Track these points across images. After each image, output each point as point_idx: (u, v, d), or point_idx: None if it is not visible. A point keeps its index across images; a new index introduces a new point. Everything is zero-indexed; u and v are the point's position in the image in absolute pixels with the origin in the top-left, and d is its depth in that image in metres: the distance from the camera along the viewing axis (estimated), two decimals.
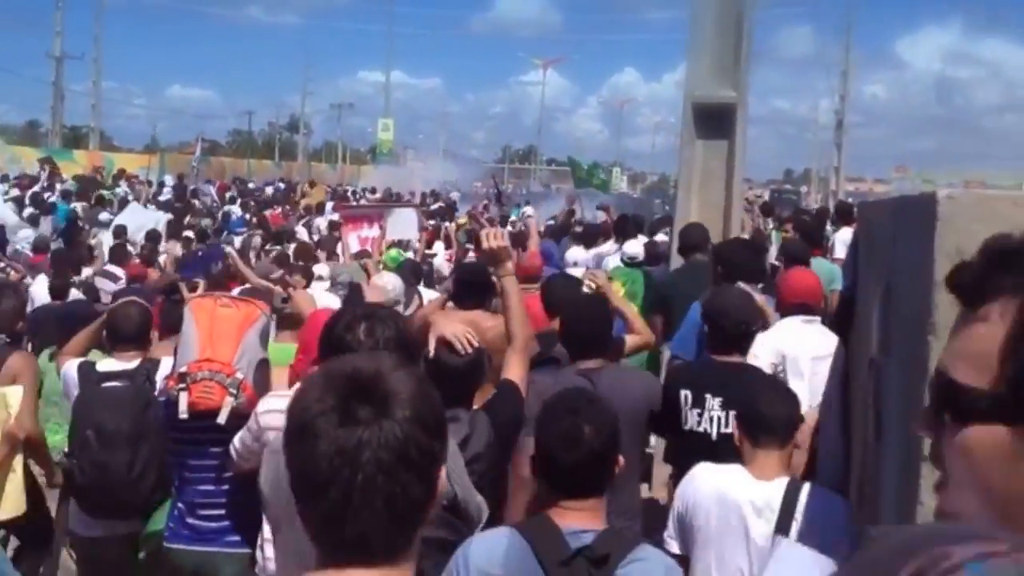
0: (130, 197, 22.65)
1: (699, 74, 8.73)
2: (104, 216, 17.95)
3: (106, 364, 4.83)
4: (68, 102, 47.87)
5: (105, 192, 23.39)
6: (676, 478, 4.61)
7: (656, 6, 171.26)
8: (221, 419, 3.97)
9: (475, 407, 3.69)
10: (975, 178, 59.18)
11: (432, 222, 18.29)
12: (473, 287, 5.62)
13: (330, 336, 3.04)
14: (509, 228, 16.58)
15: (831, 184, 50.55)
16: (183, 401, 4.04)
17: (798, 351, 5.11)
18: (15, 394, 4.84)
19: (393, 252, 11.25)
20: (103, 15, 50.02)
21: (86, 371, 4.76)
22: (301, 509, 1.54)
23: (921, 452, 2.76)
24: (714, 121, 8.73)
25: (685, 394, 4.58)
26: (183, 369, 4.10)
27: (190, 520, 4.16)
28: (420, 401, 1.54)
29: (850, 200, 21.05)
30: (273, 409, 3.41)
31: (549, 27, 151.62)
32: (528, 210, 19.17)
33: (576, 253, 12.01)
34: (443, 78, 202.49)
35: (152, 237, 14.40)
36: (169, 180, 29.49)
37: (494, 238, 4.00)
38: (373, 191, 32.70)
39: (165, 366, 4.64)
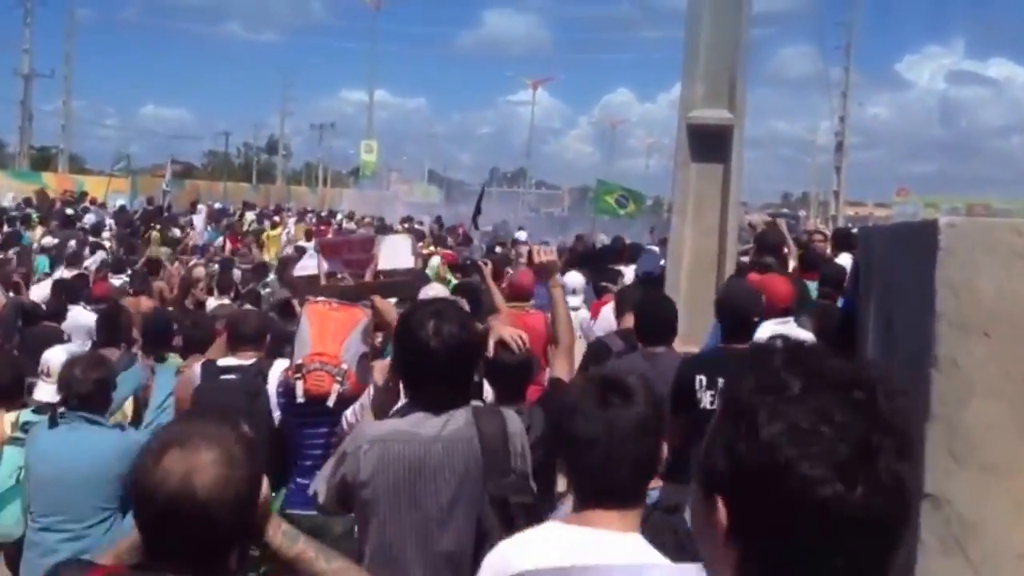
0: (107, 221, 22.64)
1: (694, 96, 8.79)
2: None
3: (225, 361, 5.65)
4: (36, 122, 47.73)
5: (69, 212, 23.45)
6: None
7: (650, 25, 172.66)
8: (330, 402, 4.95)
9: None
10: (979, 202, 59.53)
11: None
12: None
13: (404, 332, 3.48)
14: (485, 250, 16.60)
15: (831, 208, 50.81)
16: (299, 387, 5.05)
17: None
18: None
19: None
20: (74, 32, 50.04)
21: (208, 368, 5.59)
22: (569, 466, 2.59)
23: (922, 489, 2.80)
24: (710, 144, 8.79)
25: (700, 378, 5.33)
26: (299, 361, 5.10)
27: (304, 489, 4.71)
28: (649, 394, 2.56)
29: (850, 225, 21.15)
30: None
31: (539, 45, 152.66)
32: (521, 235, 19.24)
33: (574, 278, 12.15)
34: (428, 98, 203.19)
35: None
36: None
37: (544, 254, 5.02)
38: (351, 216, 32.54)
39: (278, 366, 5.48)
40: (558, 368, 4.61)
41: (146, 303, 10.65)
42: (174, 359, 7.22)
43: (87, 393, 5.05)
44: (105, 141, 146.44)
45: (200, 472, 1.95)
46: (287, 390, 5.18)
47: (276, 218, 28.47)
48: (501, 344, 4.37)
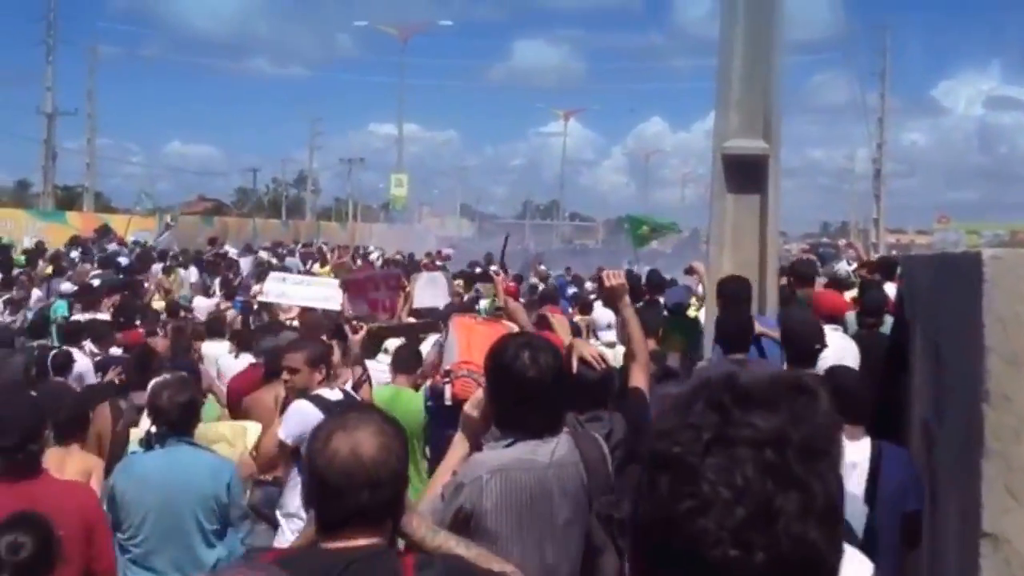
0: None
1: (729, 126, 8.78)
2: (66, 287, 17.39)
3: (331, 394, 6.07)
4: (61, 161, 48.03)
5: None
6: None
7: (682, 53, 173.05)
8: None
9: None
10: (1022, 229, 59.01)
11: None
12: None
13: (499, 364, 3.74)
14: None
15: (871, 236, 50.50)
16: (448, 391, 5.66)
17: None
18: (254, 430, 6.46)
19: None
20: (97, 69, 50.65)
21: (318, 400, 5.96)
22: None
23: (980, 527, 2.75)
24: (746, 174, 8.77)
25: None
26: (447, 367, 5.77)
27: None
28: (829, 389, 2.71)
29: (894, 252, 20.98)
30: None
31: (570, 76, 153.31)
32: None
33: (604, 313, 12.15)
34: (459, 131, 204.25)
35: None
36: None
37: (614, 277, 5.43)
38: (367, 254, 32.24)
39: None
40: (636, 379, 5.11)
41: (163, 343, 10.65)
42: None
43: (177, 417, 5.30)
44: (131, 179, 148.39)
45: (364, 443, 2.46)
46: (436, 393, 5.91)
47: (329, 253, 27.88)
48: (582, 362, 4.85)
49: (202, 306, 16.43)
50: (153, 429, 5.48)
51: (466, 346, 5.83)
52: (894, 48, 53.10)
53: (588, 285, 21.82)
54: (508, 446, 3.68)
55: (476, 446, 3.88)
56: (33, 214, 36.37)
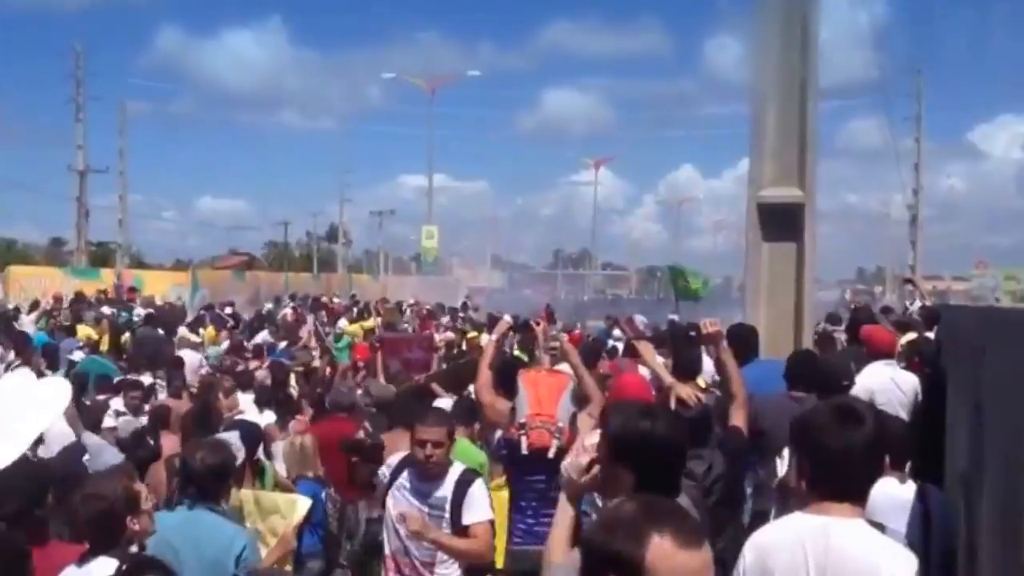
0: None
1: (763, 175, 8.82)
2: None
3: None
4: (93, 218, 48.54)
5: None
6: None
7: (713, 100, 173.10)
8: (551, 454, 6.11)
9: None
10: None
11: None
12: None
13: (633, 430, 3.85)
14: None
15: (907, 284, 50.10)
16: (524, 442, 6.27)
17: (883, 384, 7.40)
18: (304, 505, 6.30)
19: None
20: (127, 126, 51.29)
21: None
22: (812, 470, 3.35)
23: None
24: (781, 223, 8.79)
25: None
26: (522, 420, 6.33)
27: (527, 526, 6.29)
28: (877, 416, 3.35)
29: (932, 301, 20.77)
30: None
31: (600, 125, 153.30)
32: (639, 318, 18.91)
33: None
34: (489, 181, 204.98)
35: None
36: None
37: (711, 325, 6.04)
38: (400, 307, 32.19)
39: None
40: (734, 417, 5.68)
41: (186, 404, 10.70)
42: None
43: (206, 482, 5.14)
44: (163, 234, 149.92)
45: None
46: (511, 444, 6.42)
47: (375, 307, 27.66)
48: (680, 401, 5.46)
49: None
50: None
51: (535, 398, 6.41)
52: (929, 92, 52.83)
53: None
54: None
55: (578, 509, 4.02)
56: (67, 271, 36.66)
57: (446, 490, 5.64)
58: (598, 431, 5.04)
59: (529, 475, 6.37)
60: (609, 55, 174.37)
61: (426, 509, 5.61)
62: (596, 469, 3.87)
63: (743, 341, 7.60)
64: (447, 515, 5.61)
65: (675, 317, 19.33)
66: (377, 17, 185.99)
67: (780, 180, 8.79)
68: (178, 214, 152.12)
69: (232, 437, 6.26)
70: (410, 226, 77.89)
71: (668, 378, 6.19)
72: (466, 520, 5.57)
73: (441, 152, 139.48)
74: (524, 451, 6.29)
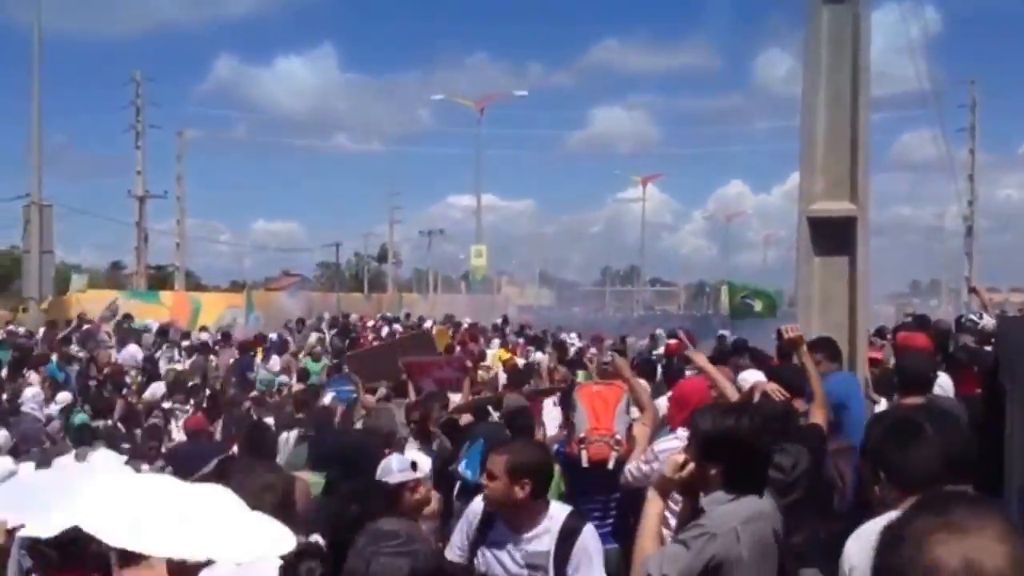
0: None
1: (814, 188, 8.71)
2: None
3: None
4: (152, 242, 49.30)
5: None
6: None
7: (761, 115, 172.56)
8: (610, 466, 6.35)
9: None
10: None
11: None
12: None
13: (730, 431, 4.05)
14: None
15: (962, 295, 49.42)
16: (584, 456, 6.43)
17: None
18: None
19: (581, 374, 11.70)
20: (184, 153, 51.99)
21: None
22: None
23: None
24: (833, 236, 8.68)
25: None
26: (581, 435, 6.49)
27: None
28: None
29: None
30: (667, 448, 5.41)
31: (647, 142, 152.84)
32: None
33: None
34: (536, 199, 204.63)
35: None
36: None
37: (792, 331, 6.53)
38: (420, 321, 32.01)
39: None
40: (815, 416, 5.99)
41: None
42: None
43: None
44: (220, 257, 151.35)
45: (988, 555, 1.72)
46: (570, 458, 6.52)
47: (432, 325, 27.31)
48: (765, 396, 5.77)
49: None
50: None
51: (592, 412, 6.55)
52: (983, 102, 52.07)
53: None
54: (734, 500, 3.97)
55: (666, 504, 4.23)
56: (127, 294, 37.18)
57: (545, 541, 4.55)
58: (671, 438, 5.82)
59: (589, 487, 6.46)
60: (657, 72, 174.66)
61: (524, 569, 4.58)
62: (692, 466, 4.05)
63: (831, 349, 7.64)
64: (550, 570, 4.51)
65: (726, 333, 19.14)
66: (425, 40, 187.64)
67: (831, 193, 8.67)
68: (233, 237, 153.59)
69: None
70: (459, 245, 78.21)
71: (723, 381, 6.59)
72: None
73: (489, 172, 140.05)
74: (585, 464, 6.42)
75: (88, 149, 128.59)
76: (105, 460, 7.03)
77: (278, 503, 4.48)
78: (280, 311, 35.92)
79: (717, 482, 4.00)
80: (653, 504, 4.18)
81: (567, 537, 4.52)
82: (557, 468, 6.44)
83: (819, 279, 8.80)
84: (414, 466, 6.03)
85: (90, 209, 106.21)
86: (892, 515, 3.21)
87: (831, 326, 8.59)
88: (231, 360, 19.98)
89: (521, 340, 25.22)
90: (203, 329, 26.94)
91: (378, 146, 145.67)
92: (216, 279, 74.98)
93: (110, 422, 12.20)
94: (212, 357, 20.66)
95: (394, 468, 5.90)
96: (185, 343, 22.88)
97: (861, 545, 3.39)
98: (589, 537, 4.58)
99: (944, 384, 7.90)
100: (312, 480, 6.40)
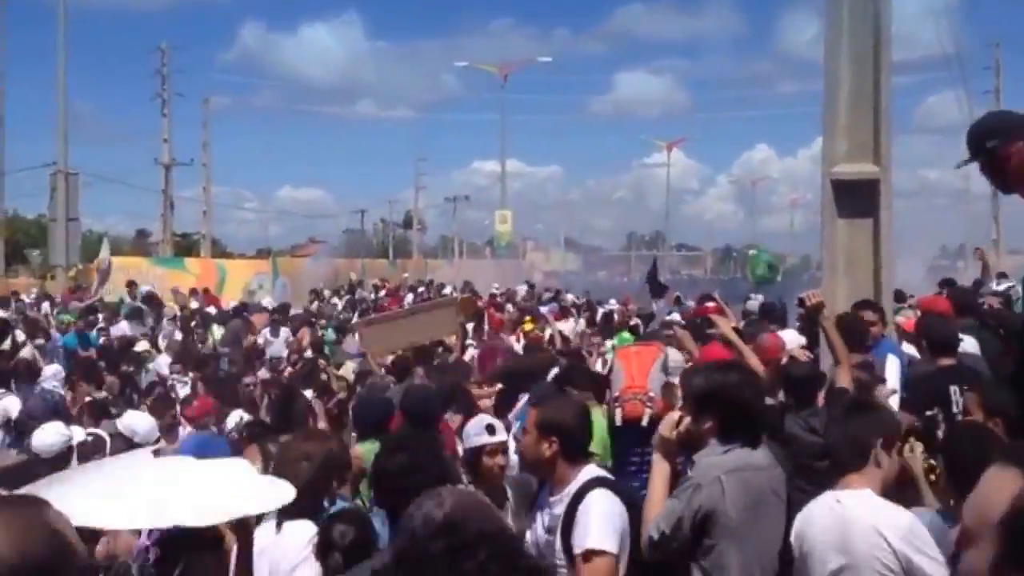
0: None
1: (837, 151, 8.69)
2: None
3: None
4: (178, 209, 49.66)
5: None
6: None
7: (786, 79, 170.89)
8: (643, 423, 6.23)
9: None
10: None
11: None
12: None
13: (729, 393, 4.26)
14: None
15: (990, 257, 49.04)
16: (619, 414, 6.49)
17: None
18: None
19: (626, 334, 11.70)
20: (210, 121, 52.21)
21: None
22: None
23: None
24: (856, 199, 8.66)
25: (954, 388, 6.42)
26: (616, 394, 6.62)
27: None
28: None
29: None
30: None
31: (672, 106, 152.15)
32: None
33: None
34: (562, 165, 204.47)
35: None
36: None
37: (814, 297, 6.58)
38: (440, 287, 32.04)
39: None
40: (842, 380, 6.01)
41: None
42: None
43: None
44: (246, 224, 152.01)
45: None
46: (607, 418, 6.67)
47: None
48: (793, 359, 6.03)
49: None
50: None
51: (628, 372, 6.67)
52: (1007, 65, 51.59)
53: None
54: (725, 453, 4.12)
55: (673, 463, 4.34)
56: (153, 261, 37.48)
57: (563, 504, 4.29)
58: None
59: (626, 446, 6.54)
60: (682, 36, 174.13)
61: (546, 532, 4.39)
62: (686, 422, 4.25)
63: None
64: (557, 540, 4.26)
65: (759, 297, 19.14)
66: (450, 6, 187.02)
67: (854, 156, 8.65)
68: (259, 204, 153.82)
69: None
70: (484, 212, 78.14)
71: (747, 351, 6.80)
72: (576, 548, 4.12)
73: (515, 138, 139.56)
74: (619, 423, 6.51)
75: (115, 118, 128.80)
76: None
77: (322, 470, 4.59)
78: (306, 277, 36.09)
79: (711, 437, 4.19)
80: (658, 467, 4.31)
81: (576, 501, 4.21)
82: (603, 428, 6.56)
83: (843, 241, 8.79)
84: (491, 429, 5.51)
85: (117, 177, 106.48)
86: None
87: (856, 288, 8.60)
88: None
89: (554, 307, 25.06)
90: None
91: (403, 112, 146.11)
92: (242, 247, 75.48)
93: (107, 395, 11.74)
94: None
95: (471, 432, 5.60)
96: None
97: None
98: (593, 501, 4.17)
99: (970, 346, 7.92)
100: (366, 448, 6.35)
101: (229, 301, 26.87)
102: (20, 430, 8.65)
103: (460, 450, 6.06)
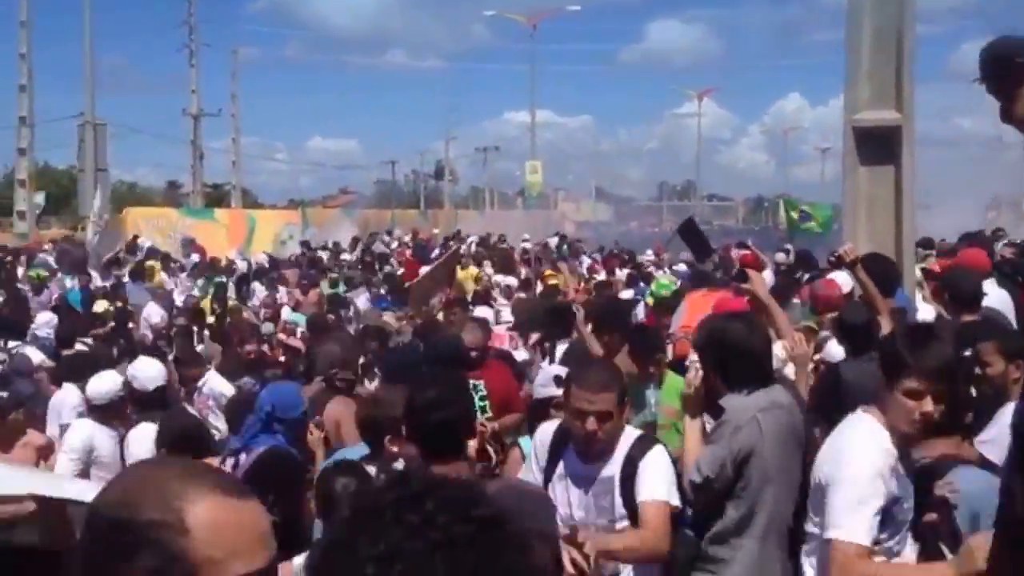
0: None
1: (859, 97, 8.65)
2: None
3: None
4: (208, 160, 49.97)
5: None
6: None
7: (819, 27, 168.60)
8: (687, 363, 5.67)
9: None
10: None
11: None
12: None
13: (722, 340, 4.39)
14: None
15: (1022, 207, 48.46)
16: (670, 350, 6.80)
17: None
18: None
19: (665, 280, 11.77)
20: (239, 71, 52.27)
21: None
22: None
23: None
24: (878, 146, 8.62)
25: None
26: (670, 331, 7.14)
27: None
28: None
29: None
30: None
31: (704, 55, 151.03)
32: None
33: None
34: (593, 115, 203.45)
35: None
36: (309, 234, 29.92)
37: (851, 252, 6.58)
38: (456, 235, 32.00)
39: None
40: (884, 327, 5.94)
41: None
42: None
43: None
44: (277, 176, 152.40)
45: None
46: None
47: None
48: (850, 304, 6.33)
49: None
50: None
51: (688, 315, 7.08)
52: None
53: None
54: (749, 395, 4.19)
55: (700, 418, 4.48)
56: (183, 212, 37.70)
57: (614, 467, 4.18)
58: None
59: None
60: None
61: (590, 497, 4.22)
62: (700, 373, 4.36)
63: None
64: (616, 492, 4.16)
65: (789, 248, 19.08)
66: None
67: (876, 103, 8.60)
68: (289, 155, 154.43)
69: None
70: (515, 162, 77.97)
71: (778, 313, 6.37)
72: (641, 495, 4.07)
73: (545, 88, 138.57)
74: (669, 357, 6.73)
75: (143, 69, 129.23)
76: None
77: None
78: (336, 228, 36.21)
79: (724, 385, 4.27)
80: (689, 426, 4.47)
81: (634, 459, 4.14)
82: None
83: (864, 189, 8.77)
84: (559, 381, 5.11)
85: (148, 128, 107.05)
86: None
87: (877, 235, 8.59)
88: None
89: (595, 256, 24.92)
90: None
91: (433, 63, 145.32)
92: (273, 197, 75.77)
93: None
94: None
95: (539, 382, 5.40)
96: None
97: None
98: (654, 457, 4.16)
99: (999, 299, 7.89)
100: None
101: (259, 252, 27.10)
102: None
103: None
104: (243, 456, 5.27)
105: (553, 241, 30.17)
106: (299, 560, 3.82)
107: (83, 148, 30.29)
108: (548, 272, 17.54)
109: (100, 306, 14.86)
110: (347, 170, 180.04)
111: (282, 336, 12.71)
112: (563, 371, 5.18)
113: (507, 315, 13.23)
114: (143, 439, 6.25)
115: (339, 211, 46.75)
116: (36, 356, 9.50)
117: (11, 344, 10.26)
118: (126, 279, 18.76)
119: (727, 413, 4.25)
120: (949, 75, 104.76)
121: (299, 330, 12.84)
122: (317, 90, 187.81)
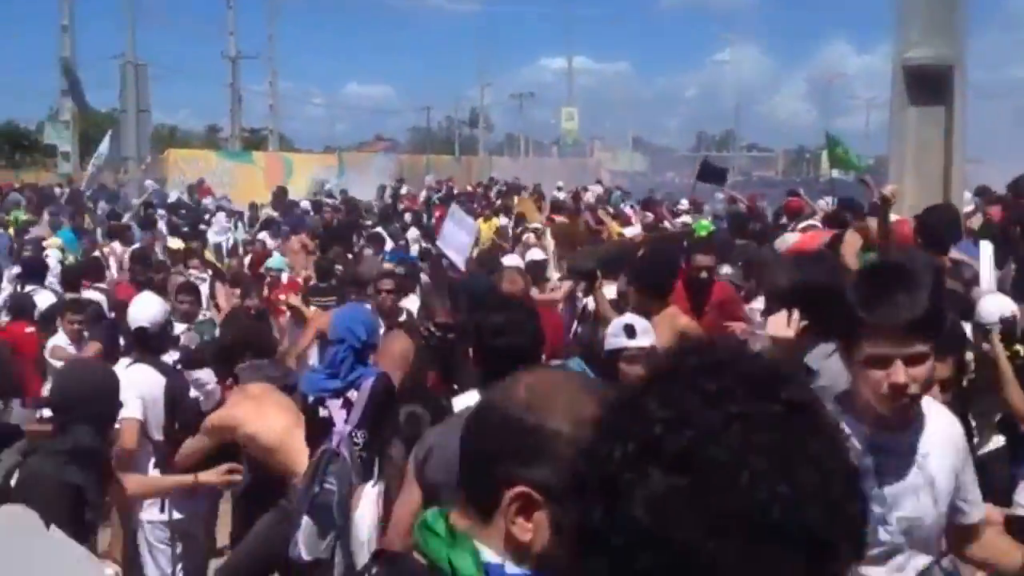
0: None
1: (910, 35, 8.59)
2: None
3: None
4: (247, 104, 50.11)
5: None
6: None
7: None
8: None
9: None
10: None
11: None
12: None
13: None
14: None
15: None
16: None
17: None
18: None
19: (705, 222, 11.67)
20: (277, 14, 52.21)
21: None
22: None
23: None
24: (929, 86, 8.56)
25: None
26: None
27: None
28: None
29: None
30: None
31: (746, 0, 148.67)
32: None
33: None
34: (630, 62, 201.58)
35: None
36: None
37: (894, 193, 6.56)
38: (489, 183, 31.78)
39: None
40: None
41: None
42: None
43: None
44: (313, 122, 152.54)
45: None
46: None
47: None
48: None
49: None
50: None
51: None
52: None
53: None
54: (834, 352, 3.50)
55: None
56: (222, 155, 37.95)
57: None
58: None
59: None
60: None
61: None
62: (797, 318, 3.88)
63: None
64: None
65: (831, 199, 18.91)
66: None
67: (927, 41, 8.52)
68: (326, 100, 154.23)
69: None
70: (550, 110, 77.61)
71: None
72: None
73: (581, 33, 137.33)
74: None
75: (181, 9, 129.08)
76: None
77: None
78: (372, 172, 36.30)
79: (810, 335, 3.76)
80: None
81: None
82: None
83: (914, 131, 8.72)
84: (630, 331, 4.87)
85: (187, 71, 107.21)
86: None
87: (926, 177, 8.56)
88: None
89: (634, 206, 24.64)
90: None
91: (470, 5, 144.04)
92: (310, 143, 75.76)
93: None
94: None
95: (609, 332, 5.07)
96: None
97: None
98: None
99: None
100: None
101: (296, 195, 27.18)
102: None
103: None
104: (353, 394, 4.98)
105: (597, 189, 29.99)
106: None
107: (125, 88, 30.34)
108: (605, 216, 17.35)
109: (174, 243, 14.71)
110: (382, 115, 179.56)
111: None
112: (635, 319, 5.07)
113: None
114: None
115: (376, 155, 46.81)
116: (47, 299, 9.75)
117: (28, 287, 10.31)
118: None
119: (821, 377, 3.56)
120: (1006, 23, 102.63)
121: (283, 275, 12.35)
122: (354, 35, 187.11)
